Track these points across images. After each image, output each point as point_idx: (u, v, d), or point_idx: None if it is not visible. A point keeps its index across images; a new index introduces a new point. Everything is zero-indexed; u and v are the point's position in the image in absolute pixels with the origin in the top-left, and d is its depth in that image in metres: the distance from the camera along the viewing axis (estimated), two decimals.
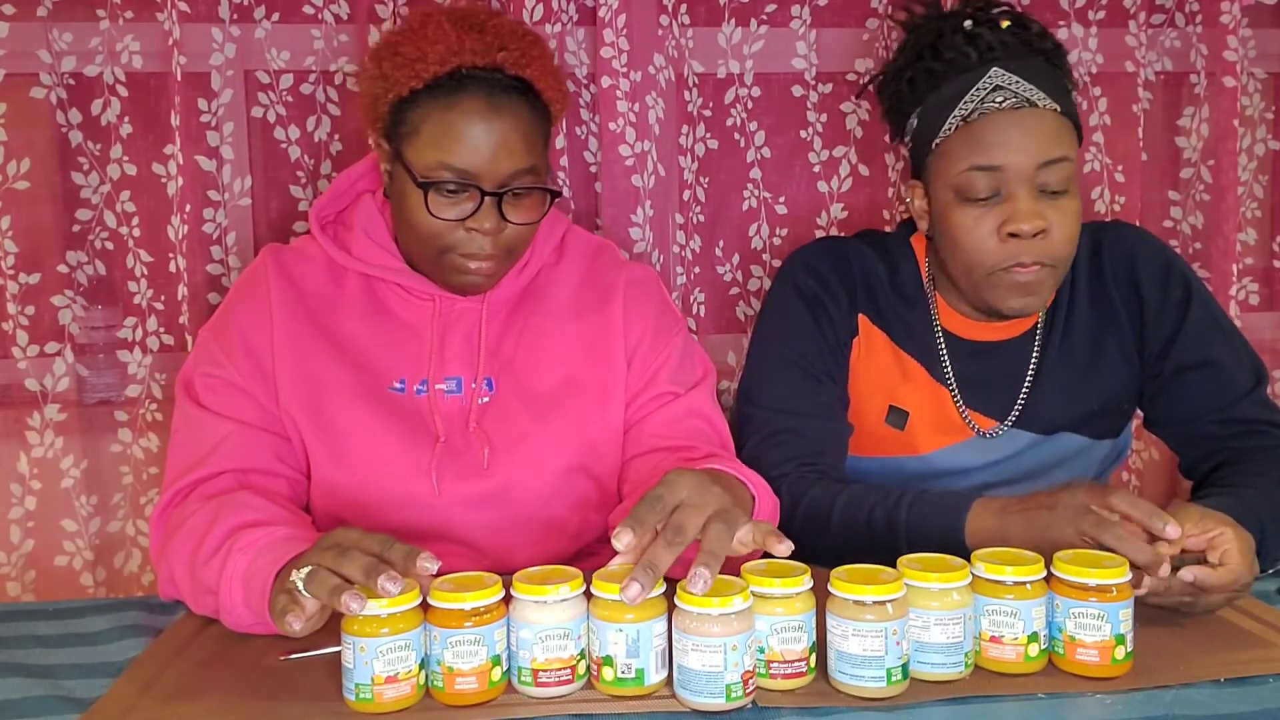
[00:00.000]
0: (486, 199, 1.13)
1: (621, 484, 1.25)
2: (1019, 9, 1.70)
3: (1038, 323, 1.35)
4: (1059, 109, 1.22)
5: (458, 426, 1.20)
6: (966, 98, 1.22)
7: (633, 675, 0.85)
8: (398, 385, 1.21)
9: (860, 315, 1.36)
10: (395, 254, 1.24)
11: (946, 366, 1.34)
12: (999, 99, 1.20)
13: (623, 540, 0.86)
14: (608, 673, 0.85)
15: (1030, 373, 1.34)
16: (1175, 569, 0.96)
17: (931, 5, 1.33)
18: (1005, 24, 1.25)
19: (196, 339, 1.25)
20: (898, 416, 1.34)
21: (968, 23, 1.25)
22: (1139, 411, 1.41)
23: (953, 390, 1.34)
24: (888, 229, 1.64)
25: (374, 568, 0.85)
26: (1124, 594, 0.89)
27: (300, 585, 0.88)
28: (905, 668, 0.86)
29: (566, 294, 1.28)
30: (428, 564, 0.86)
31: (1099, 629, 0.88)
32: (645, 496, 0.89)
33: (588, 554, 1.28)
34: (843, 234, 1.74)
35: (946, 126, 1.24)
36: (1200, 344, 1.31)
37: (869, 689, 0.85)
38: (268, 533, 1.00)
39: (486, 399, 1.22)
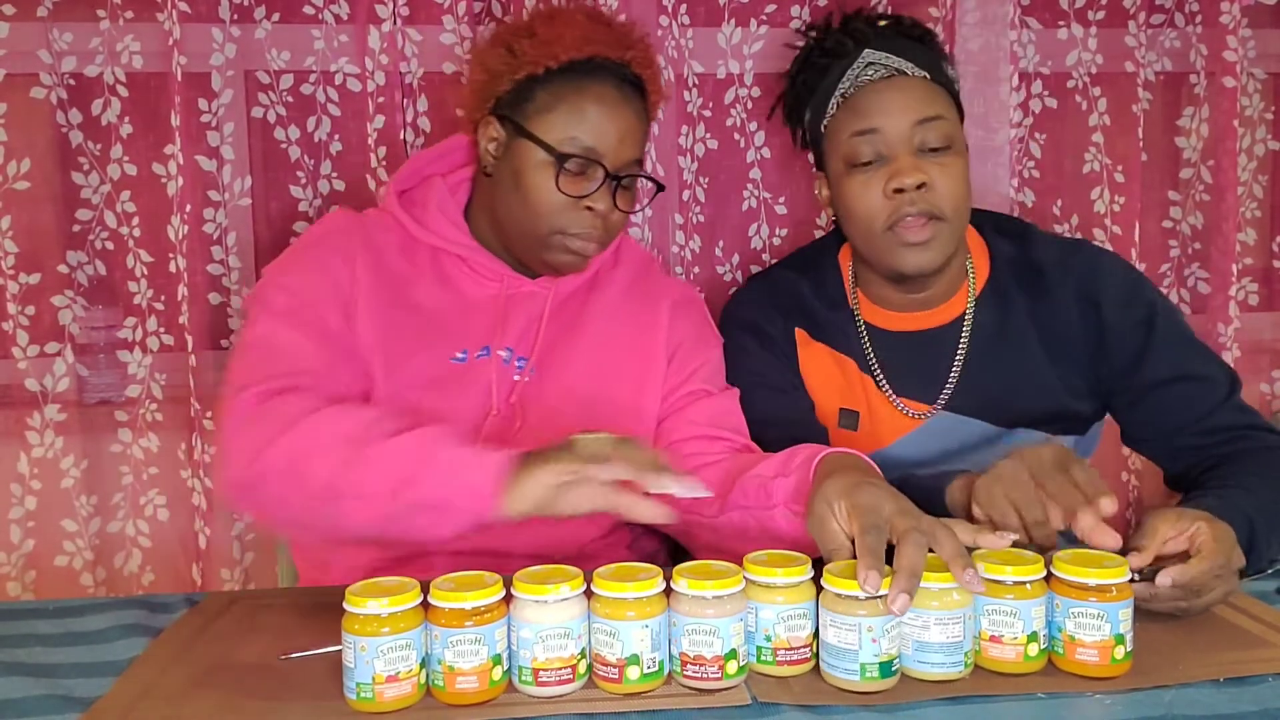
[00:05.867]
0: (606, 180, 1.19)
1: None
2: (1019, 9, 1.73)
3: (965, 312, 1.38)
4: (929, 77, 1.31)
5: (502, 397, 1.24)
6: (844, 78, 1.32)
7: (656, 669, 0.87)
8: (460, 355, 1.24)
9: (796, 330, 1.42)
10: (467, 232, 1.28)
11: (873, 359, 1.39)
12: (871, 73, 1.31)
13: (874, 583, 0.85)
14: (633, 672, 0.86)
15: (959, 357, 1.37)
16: (1150, 576, 0.96)
17: (825, 23, 1.41)
18: (882, 23, 1.36)
19: (263, 277, 1.24)
20: (848, 418, 1.40)
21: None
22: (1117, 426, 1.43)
23: (879, 381, 1.39)
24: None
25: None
26: (1124, 594, 0.89)
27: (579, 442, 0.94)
28: (887, 665, 0.87)
29: (617, 295, 1.34)
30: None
31: (1099, 629, 0.88)
32: (865, 529, 0.89)
33: (589, 555, 1.28)
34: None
35: (830, 107, 1.34)
36: (1172, 358, 1.32)
37: (850, 681, 0.86)
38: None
39: (528, 378, 1.25)
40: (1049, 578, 0.91)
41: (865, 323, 1.41)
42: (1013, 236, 1.41)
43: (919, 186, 1.26)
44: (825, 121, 1.35)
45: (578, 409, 1.25)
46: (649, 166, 1.63)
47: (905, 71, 1.30)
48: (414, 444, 1.00)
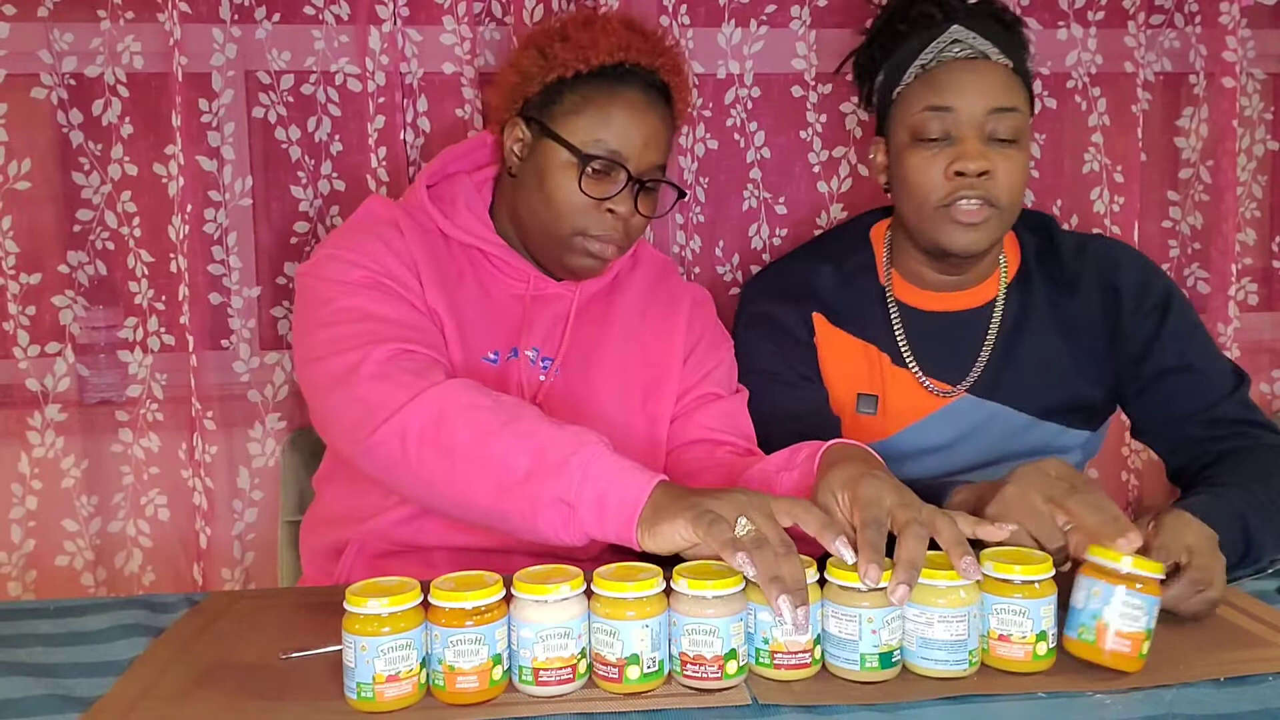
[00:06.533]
0: (629, 183, 1.20)
1: (666, 471, 1.27)
2: (1019, 9, 1.73)
3: (997, 296, 1.39)
4: (1011, 66, 1.30)
5: (527, 397, 1.25)
6: (927, 50, 1.31)
7: (656, 668, 0.87)
8: (491, 356, 1.25)
9: (815, 315, 1.42)
10: (493, 230, 1.29)
11: (902, 339, 1.39)
12: (956, 50, 1.29)
13: (873, 576, 0.85)
14: (632, 671, 0.86)
15: (989, 341, 1.38)
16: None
17: None
18: (972, 0, 1.36)
19: (322, 256, 1.20)
20: (867, 402, 1.40)
21: None
22: (1125, 420, 1.44)
23: (909, 361, 1.39)
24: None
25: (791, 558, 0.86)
26: (1151, 588, 0.88)
27: (741, 526, 0.88)
28: (887, 655, 0.87)
29: (639, 297, 1.35)
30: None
31: (1137, 620, 0.87)
32: (866, 523, 0.90)
33: (589, 557, 1.28)
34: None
35: (907, 76, 1.32)
36: (1181, 348, 1.34)
37: (850, 671, 0.87)
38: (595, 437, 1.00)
39: (552, 379, 1.26)
40: (1081, 563, 0.91)
41: (897, 300, 1.41)
42: (1037, 229, 1.43)
43: (981, 174, 1.26)
44: (899, 89, 1.33)
45: (601, 409, 1.26)
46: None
47: (989, 56, 1.29)
48: (571, 437, 0.98)
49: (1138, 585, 0.88)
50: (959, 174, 1.26)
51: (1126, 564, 0.88)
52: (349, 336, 1.11)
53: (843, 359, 1.41)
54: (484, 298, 1.27)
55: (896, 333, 1.39)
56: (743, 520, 0.89)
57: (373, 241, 1.20)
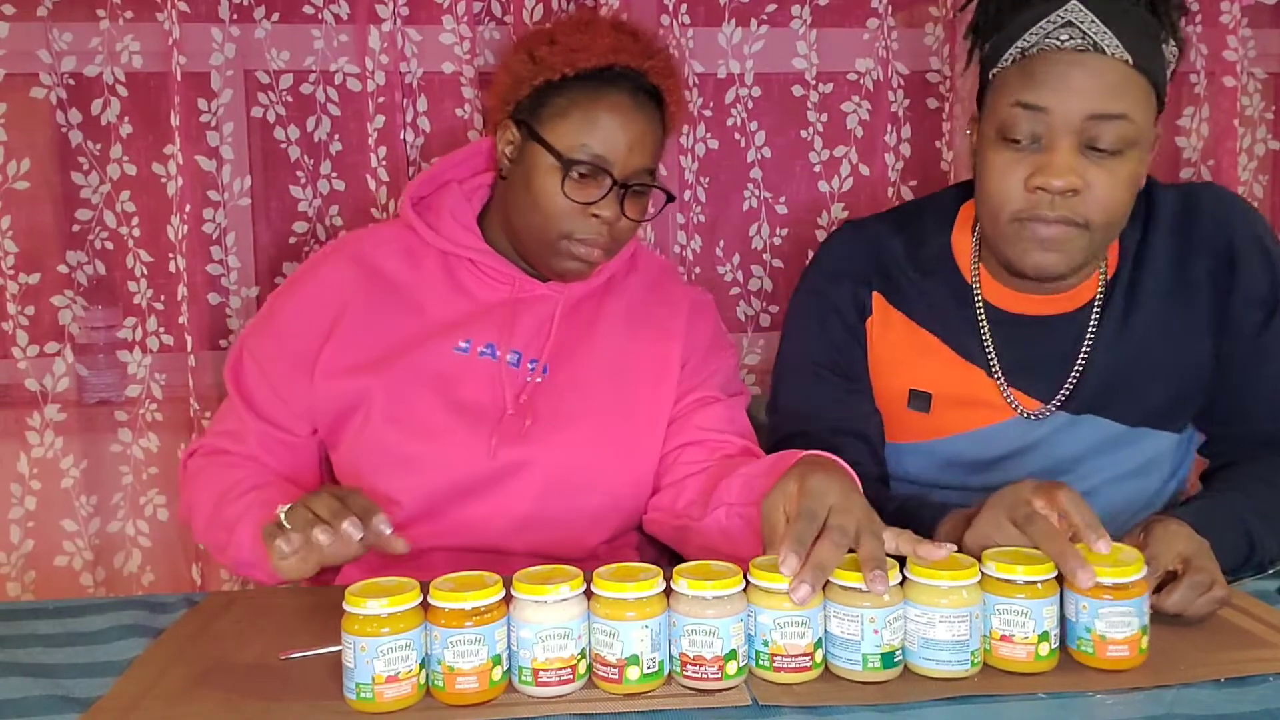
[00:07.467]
0: (614, 188, 1.20)
1: (662, 475, 1.28)
2: None
3: (1096, 296, 1.24)
4: (1130, 61, 1.09)
5: (510, 398, 1.25)
6: (1034, 29, 1.11)
7: (656, 669, 0.86)
8: (463, 345, 1.25)
9: (875, 294, 1.31)
10: (478, 236, 1.30)
11: (987, 342, 1.26)
12: (1064, 36, 1.09)
13: (790, 566, 0.86)
14: (632, 672, 0.85)
15: (1085, 351, 1.23)
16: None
17: None
18: None
19: (264, 304, 1.32)
20: (919, 400, 1.29)
21: None
22: None
23: (993, 368, 1.25)
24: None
25: (339, 510, 0.97)
26: (1137, 589, 0.89)
27: (283, 517, 1.01)
28: (889, 655, 0.87)
29: (633, 302, 1.35)
30: (383, 526, 0.97)
31: (1128, 625, 0.87)
32: (801, 513, 0.90)
33: (597, 558, 1.28)
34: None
35: (1006, 57, 1.14)
36: (1269, 355, 1.22)
37: (852, 671, 0.87)
38: (283, 490, 1.18)
39: (540, 379, 1.26)
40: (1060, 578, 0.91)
41: (985, 300, 1.26)
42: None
43: (1066, 191, 1.09)
44: (995, 70, 1.16)
45: (591, 409, 1.26)
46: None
47: (1104, 49, 1.08)
48: (231, 512, 1.17)
49: (1126, 587, 0.88)
50: (1041, 188, 1.10)
51: (1106, 576, 0.88)
52: (223, 416, 1.31)
53: (899, 347, 1.29)
54: (464, 301, 1.28)
55: (983, 336, 1.25)
56: (282, 509, 1.01)
57: (291, 312, 1.28)
